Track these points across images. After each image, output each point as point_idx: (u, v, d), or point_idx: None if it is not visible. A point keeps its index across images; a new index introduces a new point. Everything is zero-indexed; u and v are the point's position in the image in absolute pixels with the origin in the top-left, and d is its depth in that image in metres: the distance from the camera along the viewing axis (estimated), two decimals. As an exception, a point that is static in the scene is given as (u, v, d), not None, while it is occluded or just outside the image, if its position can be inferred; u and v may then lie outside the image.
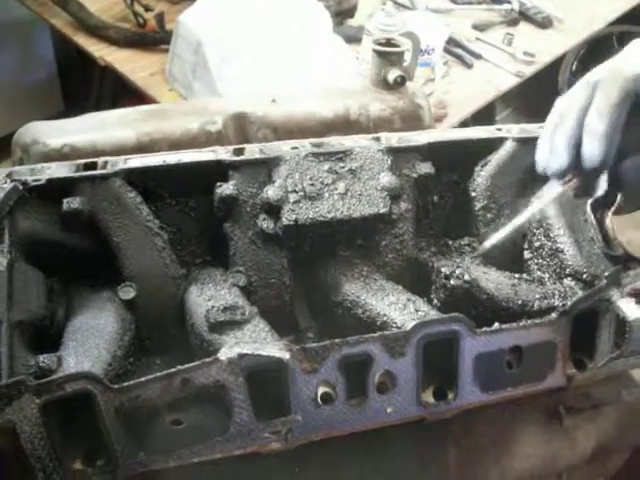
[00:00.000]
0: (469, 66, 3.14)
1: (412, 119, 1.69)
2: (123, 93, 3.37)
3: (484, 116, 3.26)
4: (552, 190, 1.17)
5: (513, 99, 4.07)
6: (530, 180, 1.39)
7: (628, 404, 1.37)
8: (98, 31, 3.01)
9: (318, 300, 1.33)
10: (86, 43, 3.02)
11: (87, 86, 3.87)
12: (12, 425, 0.90)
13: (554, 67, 3.94)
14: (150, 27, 3.05)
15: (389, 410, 1.06)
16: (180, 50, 2.71)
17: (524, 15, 3.48)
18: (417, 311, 1.15)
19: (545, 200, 1.21)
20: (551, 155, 1.11)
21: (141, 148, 1.44)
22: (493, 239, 1.27)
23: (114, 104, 3.41)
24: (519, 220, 1.24)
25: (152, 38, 3.00)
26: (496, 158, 1.38)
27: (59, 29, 3.11)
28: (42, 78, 4.38)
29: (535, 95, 4.07)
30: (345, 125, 1.63)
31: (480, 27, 3.39)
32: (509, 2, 3.49)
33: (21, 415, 0.90)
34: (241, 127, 1.57)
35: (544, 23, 3.44)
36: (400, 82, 1.67)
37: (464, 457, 1.25)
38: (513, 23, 3.46)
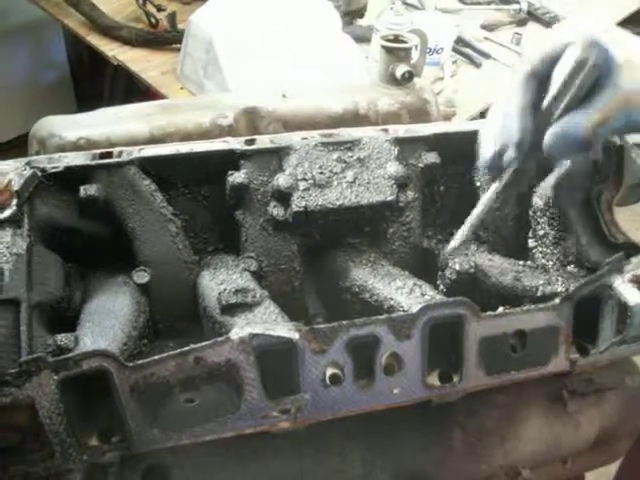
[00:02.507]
0: (478, 65, 3.16)
1: (420, 114, 1.71)
2: (134, 93, 3.40)
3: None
4: (495, 185, 1.16)
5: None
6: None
7: (631, 390, 1.39)
8: (111, 31, 3.05)
9: (327, 286, 1.36)
10: (99, 43, 3.06)
11: (99, 87, 3.91)
12: (31, 401, 0.93)
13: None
14: (162, 27, 3.09)
15: (395, 391, 1.08)
16: (192, 49, 2.74)
17: (532, 15, 3.50)
18: (423, 295, 1.18)
19: (491, 192, 1.18)
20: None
21: (154, 141, 1.47)
22: (457, 239, 1.21)
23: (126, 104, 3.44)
24: (474, 219, 1.19)
25: (164, 38, 3.04)
26: None
27: (72, 29, 3.16)
28: (55, 79, 4.43)
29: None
30: (354, 120, 1.65)
31: (489, 27, 3.41)
32: (517, 2, 3.51)
33: (40, 391, 0.93)
34: (252, 121, 1.60)
35: (552, 23, 3.46)
36: (408, 78, 1.69)
37: (469, 440, 1.27)
38: (521, 23, 3.48)
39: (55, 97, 4.37)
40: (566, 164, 1.32)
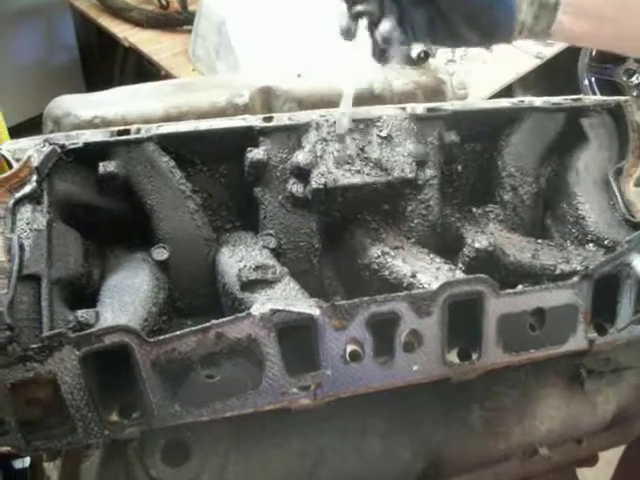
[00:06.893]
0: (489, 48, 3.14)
1: (435, 93, 1.71)
2: (145, 76, 3.40)
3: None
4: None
5: (532, 84, 4.05)
6: (552, 148, 1.41)
7: (648, 370, 1.39)
8: (122, 13, 3.05)
9: (345, 264, 1.36)
10: (110, 24, 3.06)
11: (109, 70, 3.90)
12: (53, 376, 0.94)
13: (574, 52, 3.94)
14: (173, 8, 3.09)
15: (415, 368, 1.08)
16: (203, 30, 2.73)
17: (544, -3, 3.47)
18: (443, 272, 1.17)
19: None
20: None
21: (169, 120, 1.46)
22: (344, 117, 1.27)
23: (137, 85, 3.44)
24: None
25: (175, 19, 3.04)
26: (520, 128, 1.40)
27: (82, 11, 3.15)
28: (64, 62, 4.40)
29: (554, 81, 4.07)
30: (369, 99, 1.64)
31: (500, 9, 3.38)
32: (529, -17, 3.48)
33: (62, 366, 0.94)
34: (267, 100, 1.59)
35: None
36: (423, 58, 1.69)
37: (487, 417, 1.27)
38: (533, 5, 3.44)
39: (64, 81, 4.34)
40: None
